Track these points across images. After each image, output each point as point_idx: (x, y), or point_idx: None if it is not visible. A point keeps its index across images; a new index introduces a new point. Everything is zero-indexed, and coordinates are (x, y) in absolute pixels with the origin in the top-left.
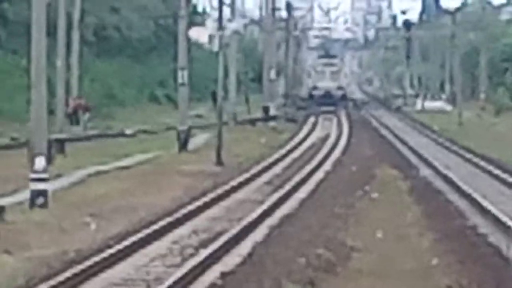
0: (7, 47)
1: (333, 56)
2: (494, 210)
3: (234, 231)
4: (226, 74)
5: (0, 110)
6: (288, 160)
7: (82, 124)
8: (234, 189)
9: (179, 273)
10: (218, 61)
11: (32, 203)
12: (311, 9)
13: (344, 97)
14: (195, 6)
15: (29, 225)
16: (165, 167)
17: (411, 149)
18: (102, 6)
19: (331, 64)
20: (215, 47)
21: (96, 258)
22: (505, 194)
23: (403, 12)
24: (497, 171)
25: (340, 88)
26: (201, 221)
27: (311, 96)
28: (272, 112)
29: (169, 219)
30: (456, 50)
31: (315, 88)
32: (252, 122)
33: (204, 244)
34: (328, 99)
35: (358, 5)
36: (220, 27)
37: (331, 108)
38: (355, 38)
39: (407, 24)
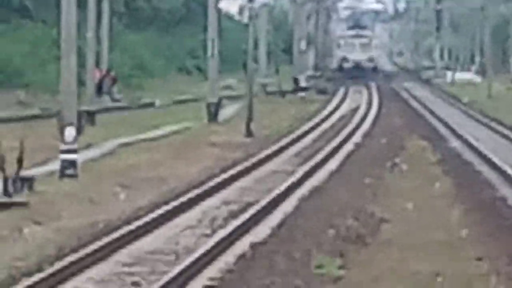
0: (37, 17)
1: (364, 27)
2: None
3: (263, 202)
4: (256, 46)
5: (31, 81)
6: (317, 131)
7: (106, 95)
8: (264, 160)
9: (209, 244)
10: (248, 32)
11: (62, 173)
12: None
13: (375, 69)
14: None
15: (59, 195)
16: (195, 138)
17: (440, 120)
18: None
19: (361, 36)
20: (245, 19)
21: (126, 229)
22: None
23: None
24: None
25: (370, 60)
26: (231, 192)
27: (340, 68)
28: (302, 83)
29: (198, 190)
30: (487, 22)
31: (345, 59)
32: (282, 93)
33: (234, 215)
34: (358, 71)
35: None
36: None
37: (361, 80)
38: (385, 10)
39: None
